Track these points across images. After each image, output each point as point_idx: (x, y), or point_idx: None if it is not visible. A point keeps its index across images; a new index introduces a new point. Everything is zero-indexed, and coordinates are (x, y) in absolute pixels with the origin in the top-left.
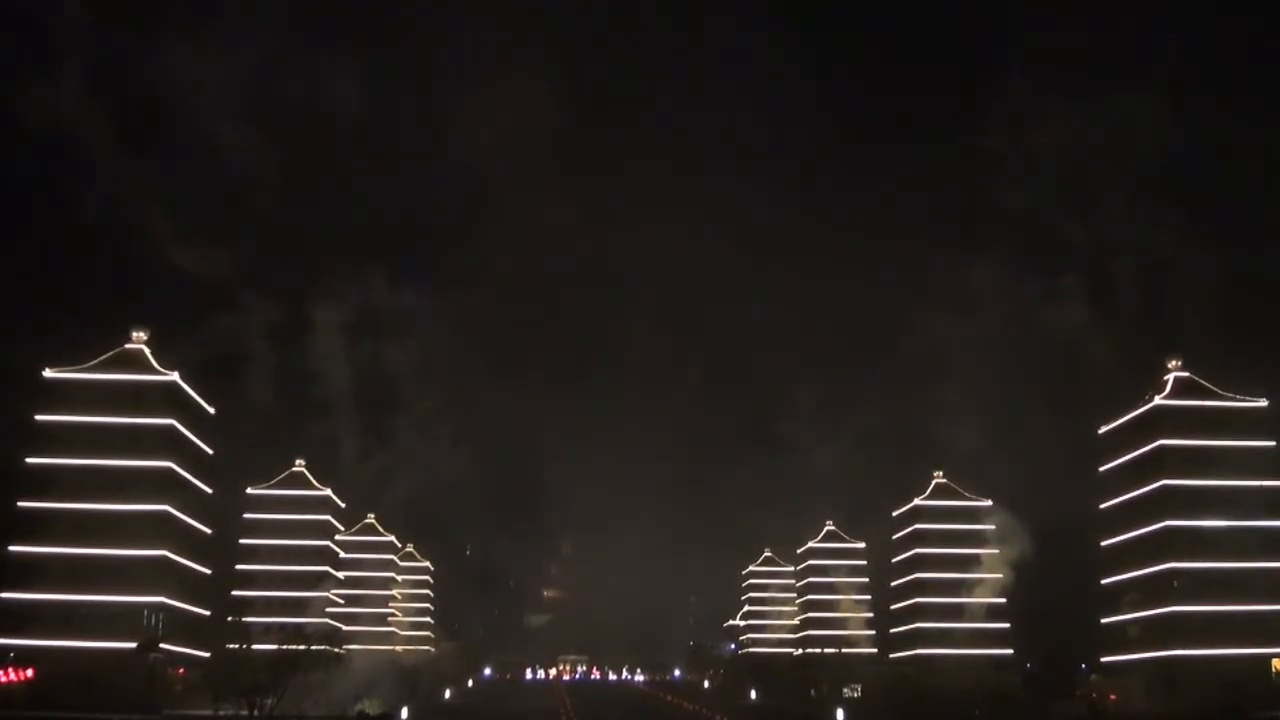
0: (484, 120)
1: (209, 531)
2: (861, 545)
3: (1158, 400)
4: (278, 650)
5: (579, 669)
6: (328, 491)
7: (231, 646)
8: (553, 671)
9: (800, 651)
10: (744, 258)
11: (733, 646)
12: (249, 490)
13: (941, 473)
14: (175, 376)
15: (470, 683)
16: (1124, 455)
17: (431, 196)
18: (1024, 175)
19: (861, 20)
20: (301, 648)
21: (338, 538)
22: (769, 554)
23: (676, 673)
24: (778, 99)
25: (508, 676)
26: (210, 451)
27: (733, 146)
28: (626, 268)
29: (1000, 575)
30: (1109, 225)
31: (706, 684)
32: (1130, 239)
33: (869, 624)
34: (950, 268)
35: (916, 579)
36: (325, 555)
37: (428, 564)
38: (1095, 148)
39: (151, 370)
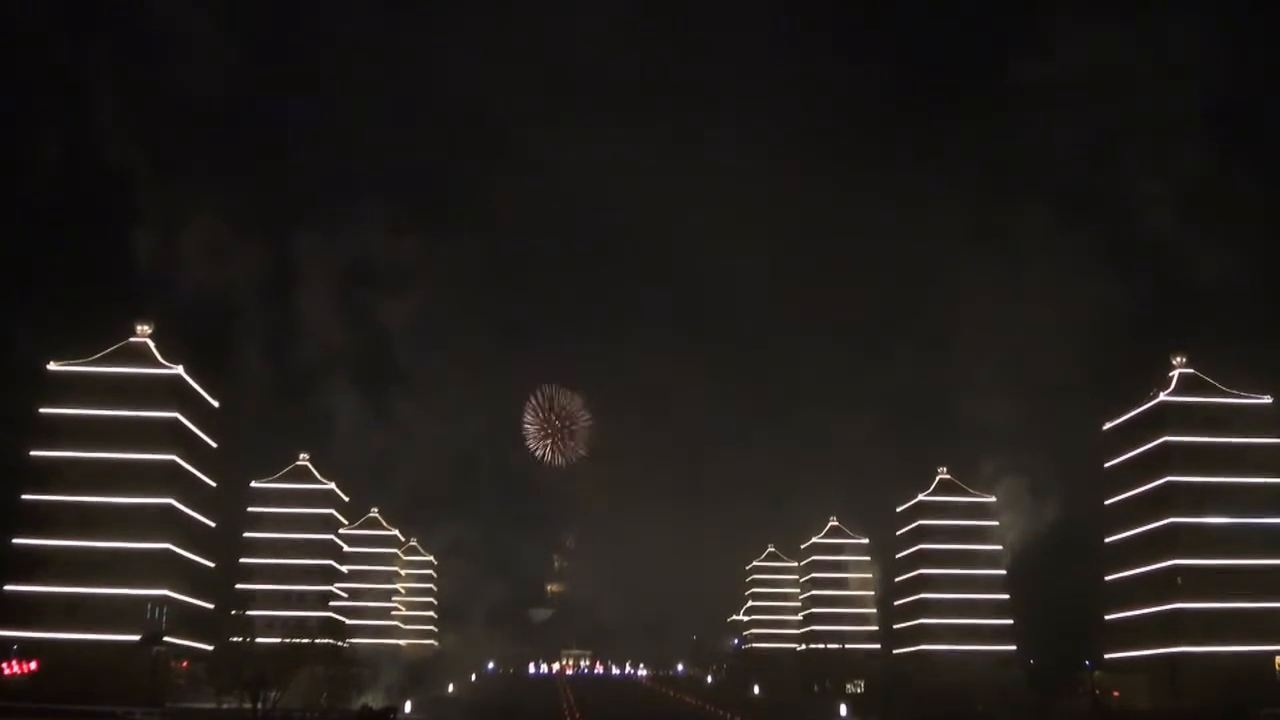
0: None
1: (213, 525)
2: (865, 541)
3: (1162, 397)
4: (281, 644)
5: (581, 664)
6: (331, 485)
7: (235, 640)
8: (555, 666)
9: (803, 647)
10: (754, 234)
11: (736, 642)
12: (253, 484)
13: (946, 469)
14: (179, 370)
15: (473, 677)
16: (1129, 452)
17: (435, 160)
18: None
19: None
20: (305, 641)
21: (341, 531)
22: (773, 549)
23: (680, 668)
24: (790, 47)
25: (511, 671)
26: (214, 445)
27: (738, 102)
28: (628, 251)
29: (1004, 571)
30: (1131, 190)
31: (709, 679)
32: (1153, 207)
33: (872, 620)
34: (966, 238)
35: (920, 575)
36: (329, 549)
37: (431, 558)
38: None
39: (155, 364)
